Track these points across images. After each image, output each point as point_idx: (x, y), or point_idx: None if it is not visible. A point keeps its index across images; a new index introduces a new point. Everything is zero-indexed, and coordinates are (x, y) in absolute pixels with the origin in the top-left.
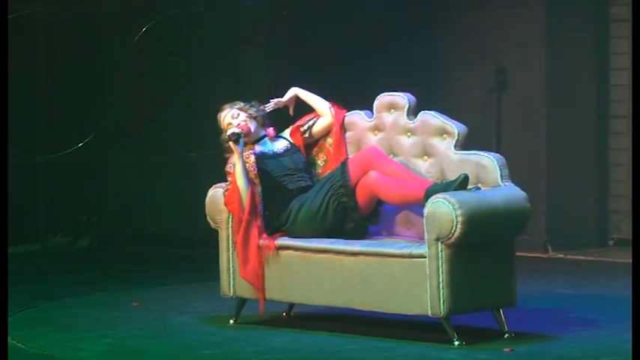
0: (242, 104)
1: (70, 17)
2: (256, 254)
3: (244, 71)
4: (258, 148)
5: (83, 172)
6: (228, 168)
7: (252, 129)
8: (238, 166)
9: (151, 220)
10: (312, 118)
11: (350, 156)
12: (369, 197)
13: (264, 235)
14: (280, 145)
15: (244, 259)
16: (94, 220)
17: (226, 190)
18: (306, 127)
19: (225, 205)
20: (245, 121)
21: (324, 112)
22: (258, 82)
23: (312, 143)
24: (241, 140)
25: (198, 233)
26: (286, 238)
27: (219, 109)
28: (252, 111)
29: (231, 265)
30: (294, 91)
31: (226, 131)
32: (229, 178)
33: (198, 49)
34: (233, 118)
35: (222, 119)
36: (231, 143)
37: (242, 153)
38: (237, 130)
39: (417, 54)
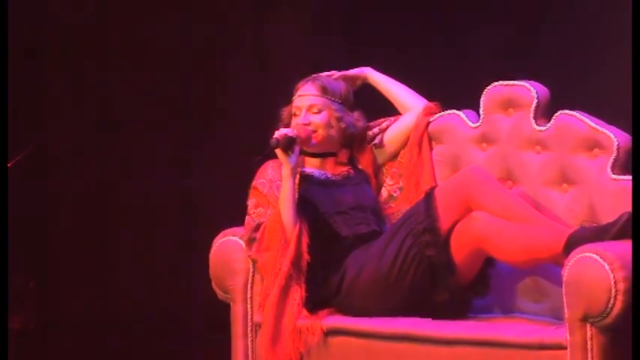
0: (339, 90)
1: None
2: (292, 337)
3: (273, 51)
4: (308, 166)
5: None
6: (258, 184)
7: (323, 137)
8: (286, 186)
9: (118, 290)
10: (383, 122)
11: (440, 183)
12: (473, 253)
13: (305, 312)
14: (339, 170)
15: (274, 333)
16: (29, 288)
17: (258, 228)
18: (377, 140)
19: (259, 251)
20: (316, 126)
21: (409, 105)
22: (297, 67)
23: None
24: (296, 149)
25: (196, 311)
26: (339, 316)
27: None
28: (342, 117)
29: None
30: (365, 72)
31: (284, 123)
32: (253, 209)
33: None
34: (310, 111)
35: (301, 92)
36: (278, 151)
37: (295, 168)
38: (290, 133)
39: (543, 25)
